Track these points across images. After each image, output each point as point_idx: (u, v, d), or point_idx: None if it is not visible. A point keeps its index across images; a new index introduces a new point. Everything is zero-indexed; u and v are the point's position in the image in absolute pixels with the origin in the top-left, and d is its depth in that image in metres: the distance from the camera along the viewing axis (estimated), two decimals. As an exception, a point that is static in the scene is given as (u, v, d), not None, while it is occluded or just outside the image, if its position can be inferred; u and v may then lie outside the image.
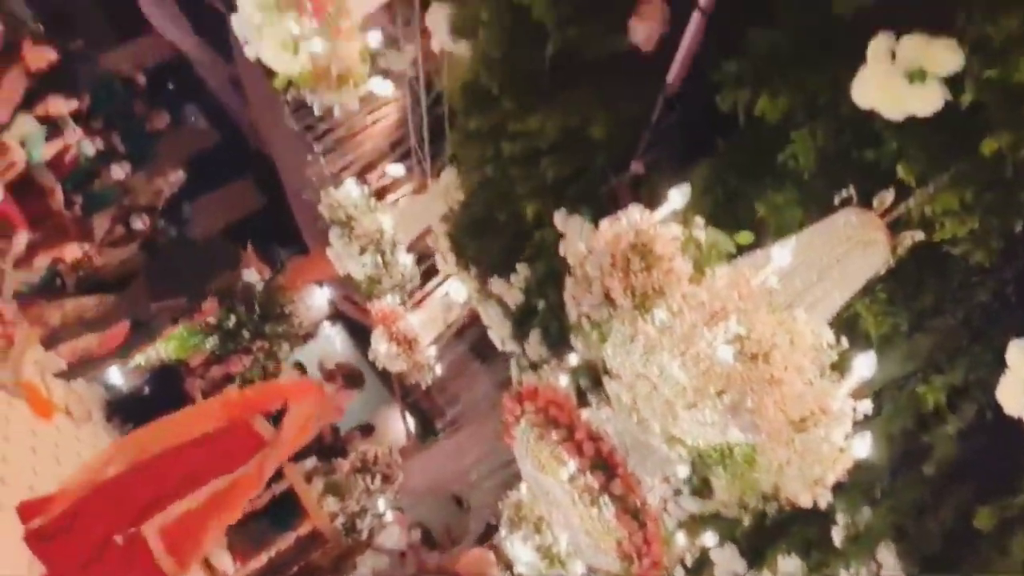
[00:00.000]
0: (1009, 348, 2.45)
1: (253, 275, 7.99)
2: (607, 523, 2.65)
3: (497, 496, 4.79)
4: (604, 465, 2.68)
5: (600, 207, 3.88)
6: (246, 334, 7.51)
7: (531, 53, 3.98)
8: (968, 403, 3.04)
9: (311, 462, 7.19)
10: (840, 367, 2.11)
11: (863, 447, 2.10)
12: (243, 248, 8.85)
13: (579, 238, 2.55)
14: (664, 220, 2.38)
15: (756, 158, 3.23)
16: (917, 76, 2.36)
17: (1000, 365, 2.49)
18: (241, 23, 3.59)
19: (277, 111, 8.59)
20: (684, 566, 4.09)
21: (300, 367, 9.24)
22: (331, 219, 5.63)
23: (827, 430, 2.03)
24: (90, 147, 7.58)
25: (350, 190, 5.67)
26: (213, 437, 4.85)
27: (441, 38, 4.53)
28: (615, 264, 2.30)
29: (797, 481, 2.09)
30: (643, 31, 3.57)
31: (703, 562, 4.13)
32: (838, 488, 2.19)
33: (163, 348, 7.39)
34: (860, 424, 2.09)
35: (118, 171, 8.21)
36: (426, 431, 11.86)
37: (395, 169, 6.83)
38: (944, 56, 2.34)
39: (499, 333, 5.72)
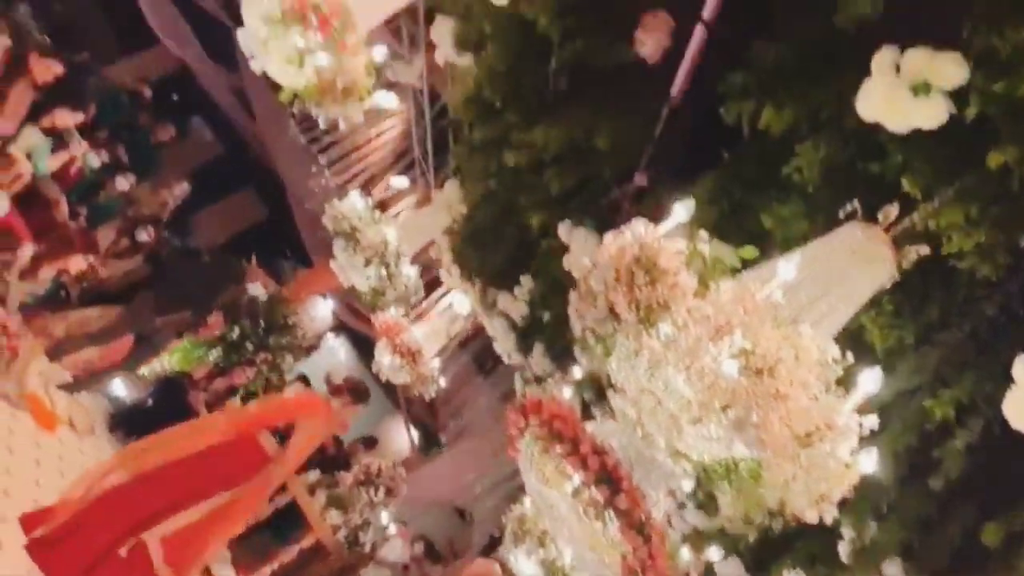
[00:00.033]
0: (1016, 362, 2.42)
1: (259, 289, 8.00)
2: (611, 537, 2.63)
3: (501, 509, 4.77)
4: (609, 479, 2.65)
5: (604, 219, 3.88)
6: (250, 346, 7.53)
7: (535, 66, 3.99)
8: (975, 418, 3.01)
9: (314, 474, 7.15)
10: (846, 382, 2.09)
11: (869, 462, 2.09)
12: (247, 261, 8.87)
13: (583, 251, 2.55)
14: (668, 234, 2.38)
15: (761, 170, 3.22)
16: (922, 89, 2.35)
17: (1007, 379, 2.46)
18: (247, 37, 3.61)
19: (282, 124, 8.65)
20: (689, 580, 4.06)
21: (304, 379, 9.22)
22: (335, 231, 5.62)
23: (833, 445, 2.01)
24: (95, 159, 7.62)
25: (354, 202, 5.66)
26: (218, 451, 4.84)
27: (446, 51, 4.55)
28: (619, 278, 2.30)
29: (803, 497, 2.07)
30: (651, 44, 3.57)
31: (708, 576, 4.11)
32: (844, 503, 2.17)
33: (167, 360, 7.41)
34: (866, 439, 2.08)
35: (123, 183, 8.24)
36: (429, 443, 11.85)
37: (399, 181, 6.85)
38: (949, 69, 2.34)
39: (504, 346, 5.71)
